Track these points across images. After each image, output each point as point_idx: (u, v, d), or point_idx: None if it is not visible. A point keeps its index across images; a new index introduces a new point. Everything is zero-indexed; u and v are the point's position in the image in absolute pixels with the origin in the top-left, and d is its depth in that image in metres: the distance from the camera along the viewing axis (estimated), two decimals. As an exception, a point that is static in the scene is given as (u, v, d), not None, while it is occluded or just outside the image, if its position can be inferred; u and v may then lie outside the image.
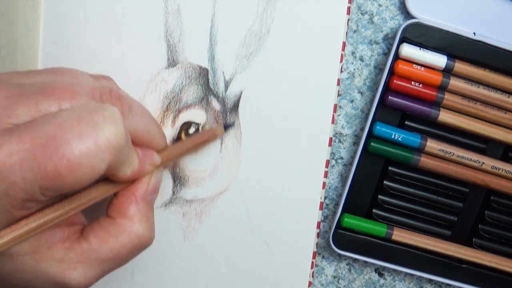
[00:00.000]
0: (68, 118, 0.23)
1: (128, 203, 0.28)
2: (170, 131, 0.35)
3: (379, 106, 0.36)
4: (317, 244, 0.37)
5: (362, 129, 0.38)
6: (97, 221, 0.27)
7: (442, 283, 0.41)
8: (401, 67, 0.36)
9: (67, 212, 0.25)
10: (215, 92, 0.35)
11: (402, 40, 0.36)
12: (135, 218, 0.27)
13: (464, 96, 0.36)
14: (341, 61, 0.35)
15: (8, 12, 0.30)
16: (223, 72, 0.35)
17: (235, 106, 0.35)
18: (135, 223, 0.27)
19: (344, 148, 0.39)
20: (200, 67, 0.35)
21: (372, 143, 0.36)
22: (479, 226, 0.38)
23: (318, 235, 0.37)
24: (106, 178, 0.27)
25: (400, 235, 0.37)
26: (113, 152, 0.24)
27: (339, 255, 0.40)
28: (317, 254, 0.40)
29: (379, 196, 0.38)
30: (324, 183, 0.36)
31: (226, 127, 0.35)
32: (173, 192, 0.36)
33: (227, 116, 0.35)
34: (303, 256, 0.37)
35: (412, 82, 0.36)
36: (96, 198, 0.27)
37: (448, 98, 0.36)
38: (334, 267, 0.40)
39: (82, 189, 0.26)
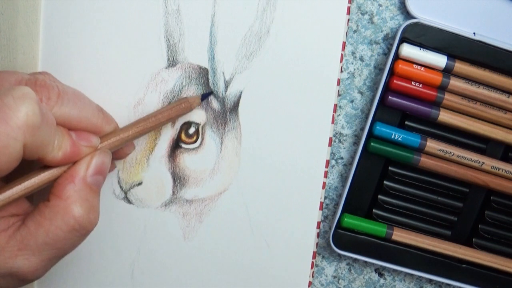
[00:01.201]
0: None
1: (64, 185, 0.27)
2: (170, 131, 0.35)
3: (379, 106, 0.36)
4: (317, 244, 0.37)
5: (362, 129, 0.38)
6: (36, 207, 0.27)
7: (442, 283, 0.41)
8: (401, 67, 0.36)
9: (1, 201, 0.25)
10: (215, 92, 0.35)
11: (402, 40, 0.36)
12: (71, 199, 0.27)
13: (464, 96, 0.36)
14: (341, 61, 0.35)
15: (8, 12, 0.30)
16: (223, 72, 0.35)
17: (235, 106, 0.35)
18: (70, 204, 0.26)
19: (344, 148, 0.39)
20: (200, 67, 0.35)
21: (372, 143, 0.36)
22: (479, 226, 0.38)
23: (318, 235, 0.37)
24: (44, 166, 0.27)
25: (400, 235, 0.37)
26: (27, 131, 0.24)
27: (339, 255, 0.40)
28: (317, 254, 0.40)
29: (379, 196, 0.38)
30: (324, 183, 0.36)
31: (204, 96, 0.34)
32: (173, 192, 0.36)
33: (227, 116, 0.35)
34: (303, 256, 0.37)
35: (412, 82, 0.36)
36: (35, 185, 0.27)
37: (448, 98, 0.36)
38: (334, 267, 0.40)
39: (14, 176, 0.26)
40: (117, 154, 0.33)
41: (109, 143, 0.30)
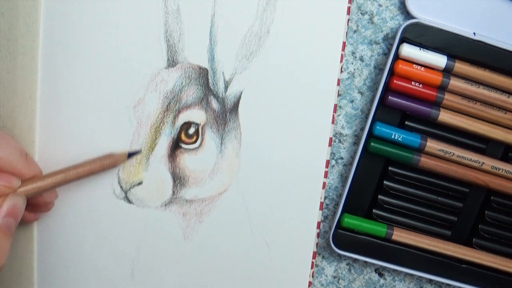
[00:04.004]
0: None
1: None
2: (170, 132, 0.35)
3: (379, 106, 0.36)
4: (317, 244, 0.37)
5: (362, 129, 0.38)
6: None
7: (442, 283, 0.41)
8: (401, 67, 0.36)
9: None
10: (215, 92, 0.35)
11: (402, 40, 0.36)
12: None
13: (464, 96, 0.36)
14: (341, 61, 0.35)
15: (8, 12, 0.30)
16: (223, 72, 0.35)
17: (235, 106, 0.35)
18: None
19: (344, 148, 0.39)
20: (200, 67, 0.35)
21: (372, 143, 0.36)
22: (479, 226, 0.38)
23: (318, 235, 0.37)
24: None
25: (400, 235, 0.37)
26: None
27: (339, 255, 0.40)
28: (317, 254, 0.40)
29: (379, 196, 0.38)
30: (324, 183, 0.36)
31: (131, 154, 0.35)
32: (173, 192, 0.36)
33: (227, 116, 0.35)
34: (303, 256, 0.37)
35: (412, 82, 0.36)
36: None
37: (448, 98, 0.36)
38: (334, 267, 0.40)
39: None
40: (40, 205, 0.33)
41: (26, 188, 0.30)
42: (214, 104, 0.35)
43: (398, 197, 0.38)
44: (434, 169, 0.37)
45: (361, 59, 0.38)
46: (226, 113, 0.35)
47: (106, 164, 0.33)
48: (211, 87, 0.35)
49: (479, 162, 0.37)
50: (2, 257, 0.28)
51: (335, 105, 0.36)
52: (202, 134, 0.35)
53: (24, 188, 0.30)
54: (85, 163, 0.33)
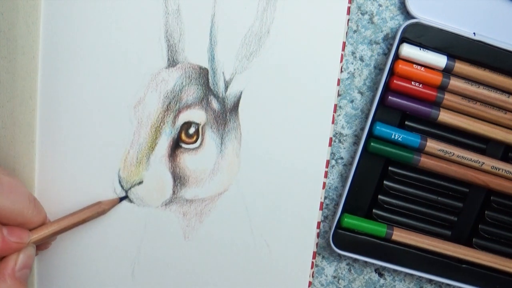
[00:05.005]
0: None
1: None
2: (170, 131, 0.35)
3: (379, 106, 0.36)
4: (317, 244, 0.37)
5: (362, 129, 0.38)
6: None
7: (442, 283, 0.41)
8: (401, 67, 0.36)
9: None
10: (215, 92, 0.35)
11: (402, 40, 0.36)
12: None
13: (464, 96, 0.36)
14: (341, 61, 0.35)
15: (8, 12, 0.30)
16: (223, 72, 0.35)
17: (235, 106, 0.35)
18: None
19: (344, 148, 0.39)
20: (200, 67, 0.35)
21: (372, 143, 0.36)
22: (479, 226, 0.38)
23: (318, 235, 0.37)
24: None
25: (400, 235, 0.37)
26: None
27: (339, 255, 0.40)
28: (317, 254, 0.40)
29: (379, 196, 0.38)
30: (324, 183, 0.36)
31: (122, 199, 0.35)
32: (173, 192, 0.36)
33: (227, 116, 0.35)
34: (303, 256, 0.37)
35: (412, 82, 0.36)
36: None
37: (448, 98, 0.36)
38: (334, 267, 0.40)
39: None
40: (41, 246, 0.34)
41: (38, 237, 0.31)
42: (214, 104, 0.35)
43: (398, 197, 0.38)
44: (434, 169, 0.37)
45: (361, 59, 0.38)
46: (226, 113, 0.35)
47: (96, 211, 0.34)
48: (211, 87, 0.35)
49: (479, 162, 0.37)
50: None
51: (335, 105, 0.36)
52: (202, 134, 0.35)
53: (36, 237, 0.31)
54: (76, 211, 0.33)
